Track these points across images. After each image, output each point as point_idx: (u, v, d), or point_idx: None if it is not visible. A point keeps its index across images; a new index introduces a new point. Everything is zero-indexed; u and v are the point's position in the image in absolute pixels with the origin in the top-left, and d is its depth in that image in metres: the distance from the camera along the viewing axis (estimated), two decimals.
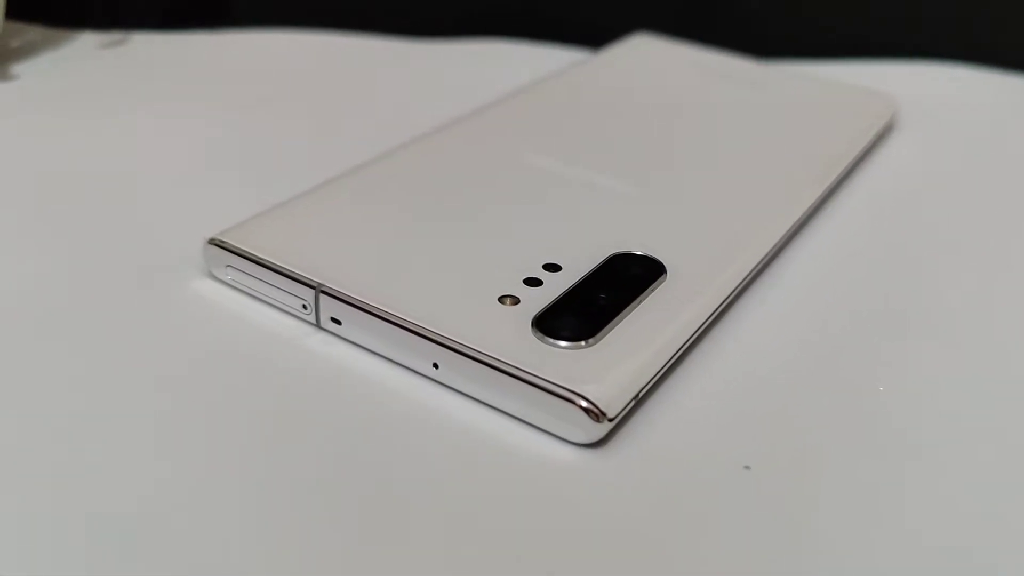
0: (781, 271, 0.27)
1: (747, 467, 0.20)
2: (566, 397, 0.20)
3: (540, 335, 0.21)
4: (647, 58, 0.39)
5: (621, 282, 0.23)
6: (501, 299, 0.22)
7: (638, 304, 0.23)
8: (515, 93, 0.34)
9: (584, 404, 0.19)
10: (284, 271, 0.23)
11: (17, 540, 0.17)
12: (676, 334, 0.22)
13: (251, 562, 0.17)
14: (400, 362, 0.22)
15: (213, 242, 0.24)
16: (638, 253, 0.24)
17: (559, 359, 0.21)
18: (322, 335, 0.23)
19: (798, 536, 0.18)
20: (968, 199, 0.32)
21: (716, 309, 0.24)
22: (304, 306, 0.23)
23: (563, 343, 0.21)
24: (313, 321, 0.23)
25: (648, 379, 0.21)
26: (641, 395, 0.21)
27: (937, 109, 0.38)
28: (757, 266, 0.25)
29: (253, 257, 0.24)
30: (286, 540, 0.18)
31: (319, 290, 0.23)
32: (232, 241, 0.24)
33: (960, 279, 0.27)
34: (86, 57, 0.38)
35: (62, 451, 0.19)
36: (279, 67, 0.38)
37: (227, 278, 0.25)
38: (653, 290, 0.23)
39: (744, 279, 0.25)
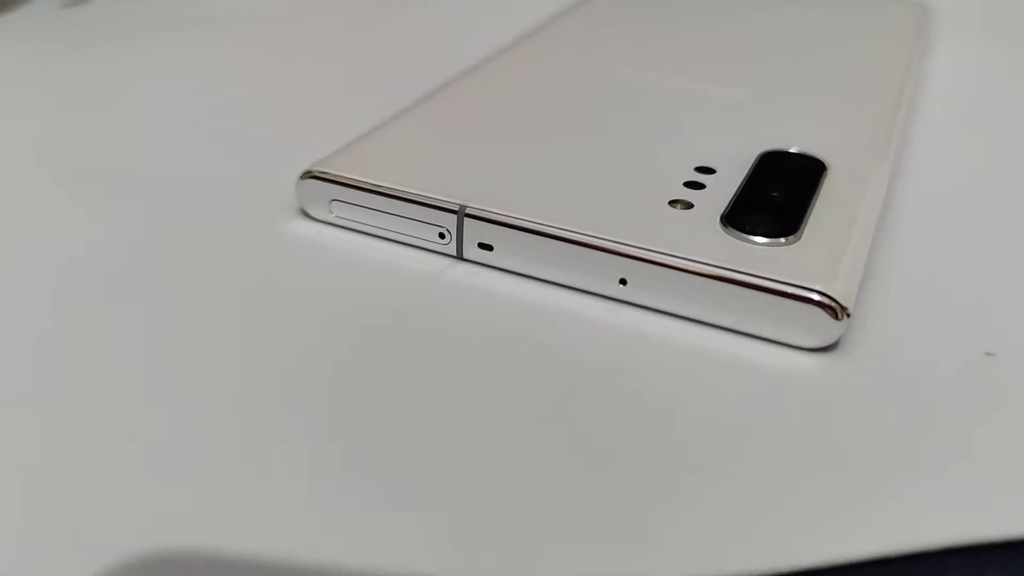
0: (903, 168, 0.25)
1: (989, 353, 0.18)
2: (800, 296, 0.17)
3: (736, 234, 0.19)
4: None
5: (786, 179, 0.21)
6: (671, 204, 0.20)
7: (816, 199, 0.21)
8: (550, 21, 0.32)
9: (822, 300, 0.17)
10: (415, 198, 0.20)
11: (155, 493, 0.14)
12: (866, 224, 0.20)
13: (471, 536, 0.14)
14: (571, 284, 0.19)
15: (310, 175, 0.21)
16: (793, 151, 0.22)
17: (772, 257, 0.18)
18: (466, 266, 0.20)
19: None
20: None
21: (884, 199, 0.22)
22: (442, 235, 0.20)
23: (760, 240, 0.19)
24: (453, 252, 0.20)
25: (862, 271, 0.19)
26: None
27: (960, 14, 0.37)
28: (898, 156, 0.24)
29: (371, 187, 0.20)
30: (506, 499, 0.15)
31: (463, 214, 0.20)
32: (339, 172, 0.21)
33: None
34: (52, 17, 0.34)
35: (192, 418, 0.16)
36: (265, 13, 0.35)
37: (331, 215, 0.21)
38: (822, 185, 0.21)
39: (894, 168, 0.23)
